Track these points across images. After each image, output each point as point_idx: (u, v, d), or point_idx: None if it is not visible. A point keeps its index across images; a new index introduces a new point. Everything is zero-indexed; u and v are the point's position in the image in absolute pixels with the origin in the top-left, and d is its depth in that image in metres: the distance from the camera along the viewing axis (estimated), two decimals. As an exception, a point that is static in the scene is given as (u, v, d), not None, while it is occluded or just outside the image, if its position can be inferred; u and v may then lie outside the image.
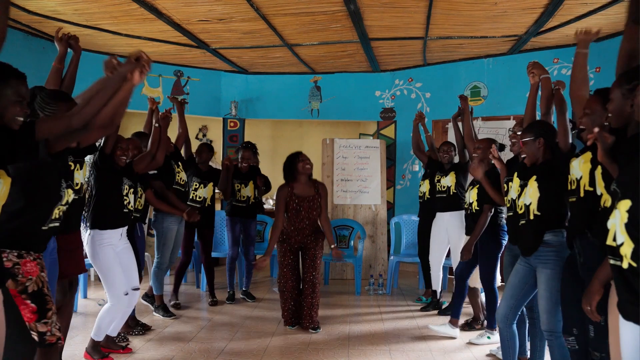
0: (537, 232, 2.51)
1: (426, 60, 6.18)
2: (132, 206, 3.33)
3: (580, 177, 2.14)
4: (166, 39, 5.40)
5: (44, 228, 2.10)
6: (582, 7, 4.30)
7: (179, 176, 4.46)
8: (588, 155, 2.11)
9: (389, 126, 6.74)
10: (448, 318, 3.94)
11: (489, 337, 3.67)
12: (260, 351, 3.43)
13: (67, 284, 2.70)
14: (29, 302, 1.97)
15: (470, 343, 3.69)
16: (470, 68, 6.03)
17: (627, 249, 1.42)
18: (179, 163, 4.46)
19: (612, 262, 1.52)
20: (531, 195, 2.52)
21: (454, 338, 3.77)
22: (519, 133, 2.87)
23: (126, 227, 3.23)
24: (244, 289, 4.98)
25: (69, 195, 2.32)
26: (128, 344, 3.44)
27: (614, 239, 1.48)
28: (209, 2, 4.23)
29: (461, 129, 4.32)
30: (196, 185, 4.66)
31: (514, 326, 2.75)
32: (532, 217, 2.52)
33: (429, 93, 6.40)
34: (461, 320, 3.96)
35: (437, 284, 4.56)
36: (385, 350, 3.54)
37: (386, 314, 4.52)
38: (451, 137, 6.07)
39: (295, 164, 3.87)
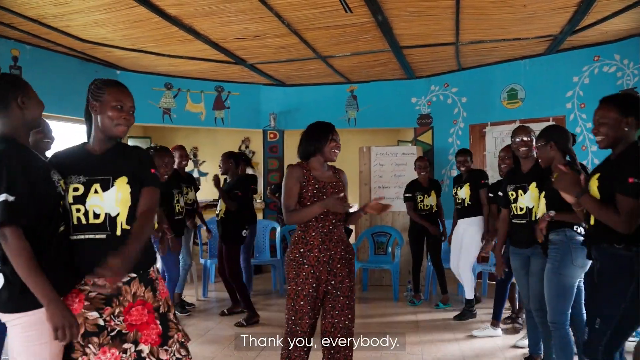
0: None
1: (461, 65, 6.15)
2: None
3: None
4: (206, 57, 5.69)
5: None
6: (619, 2, 4.17)
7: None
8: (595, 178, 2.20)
9: (427, 132, 6.74)
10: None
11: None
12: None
13: None
14: (158, 322, 1.83)
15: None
16: (506, 70, 5.95)
17: None
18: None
19: None
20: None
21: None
22: (525, 139, 3.09)
23: None
24: None
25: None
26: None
27: None
28: (243, 21, 4.45)
29: None
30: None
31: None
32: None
33: (465, 98, 6.35)
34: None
35: (470, 290, 4.55)
36: (417, 356, 3.56)
37: (422, 320, 4.52)
38: (489, 141, 6.01)
39: (323, 141, 2.63)
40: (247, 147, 8.52)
